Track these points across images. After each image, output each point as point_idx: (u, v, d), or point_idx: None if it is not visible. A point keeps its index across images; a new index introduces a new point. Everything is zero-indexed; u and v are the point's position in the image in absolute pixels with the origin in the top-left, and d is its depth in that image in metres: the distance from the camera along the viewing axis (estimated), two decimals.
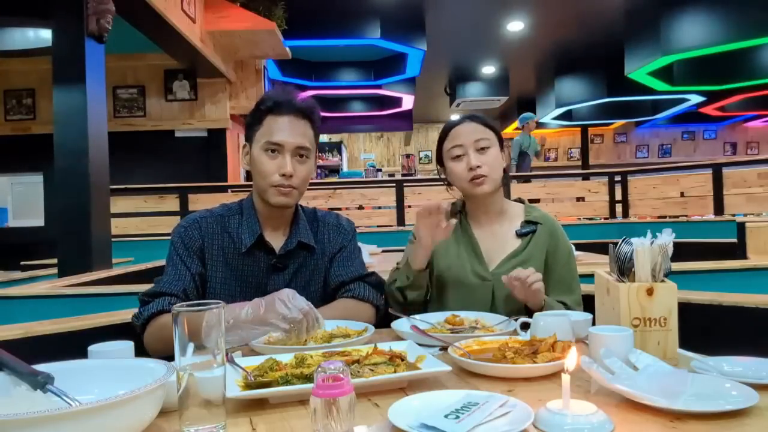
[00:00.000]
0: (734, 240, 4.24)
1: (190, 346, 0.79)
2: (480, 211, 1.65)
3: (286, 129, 1.43)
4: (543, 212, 1.67)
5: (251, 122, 1.48)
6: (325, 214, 1.63)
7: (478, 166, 1.54)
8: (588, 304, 1.37)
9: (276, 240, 1.51)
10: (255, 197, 1.53)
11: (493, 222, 1.65)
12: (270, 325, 1.22)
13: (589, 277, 1.47)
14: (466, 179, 1.56)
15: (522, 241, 1.61)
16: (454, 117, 1.70)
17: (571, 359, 0.80)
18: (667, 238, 1.16)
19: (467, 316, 1.44)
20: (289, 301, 1.23)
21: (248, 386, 0.93)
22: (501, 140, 1.62)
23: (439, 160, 1.67)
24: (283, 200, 1.45)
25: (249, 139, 1.49)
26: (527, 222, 1.63)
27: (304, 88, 9.50)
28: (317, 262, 1.55)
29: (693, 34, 6.80)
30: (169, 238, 1.48)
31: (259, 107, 1.48)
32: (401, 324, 1.37)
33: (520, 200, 1.73)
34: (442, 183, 1.72)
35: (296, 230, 1.52)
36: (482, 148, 1.56)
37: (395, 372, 0.98)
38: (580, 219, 7.06)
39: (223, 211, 1.52)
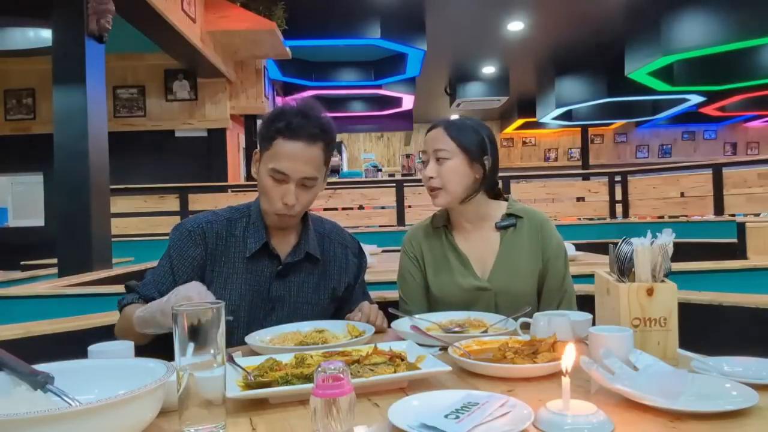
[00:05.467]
0: (734, 240, 4.24)
1: (190, 346, 0.79)
2: (461, 218, 1.60)
3: (294, 157, 1.35)
4: (527, 207, 1.62)
5: (263, 135, 1.40)
6: (330, 230, 1.58)
7: (430, 177, 1.51)
8: (588, 304, 1.36)
9: (283, 247, 1.47)
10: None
11: (478, 227, 1.60)
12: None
13: (589, 277, 1.47)
14: (426, 187, 1.55)
15: (503, 238, 1.56)
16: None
17: (568, 358, 0.79)
18: (667, 238, 1.16)
19: (468, 315, 1.44)
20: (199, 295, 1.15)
21: (248, 386, 0.93)
22: (470, 152, 1.50)
23: None
24: (280, 225, 1.44)
25: (260, 149, 1.42)
26: (508, 215, 1.58)
27: (304, 88, 9.51)
28: (322, 273, 1.52)
29: (693, 34, 6.80)
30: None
31: (272, 123, 1.38)
32: (401, 324, 1.37)
33: (504, 198, 1.66)
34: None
35: (305, 240, 1.48)
36: (439, 159, 1.50)
37: (395, 372, 0.98)
38: (580, 219, 7.06)
39: (230, 214, 1.48)
